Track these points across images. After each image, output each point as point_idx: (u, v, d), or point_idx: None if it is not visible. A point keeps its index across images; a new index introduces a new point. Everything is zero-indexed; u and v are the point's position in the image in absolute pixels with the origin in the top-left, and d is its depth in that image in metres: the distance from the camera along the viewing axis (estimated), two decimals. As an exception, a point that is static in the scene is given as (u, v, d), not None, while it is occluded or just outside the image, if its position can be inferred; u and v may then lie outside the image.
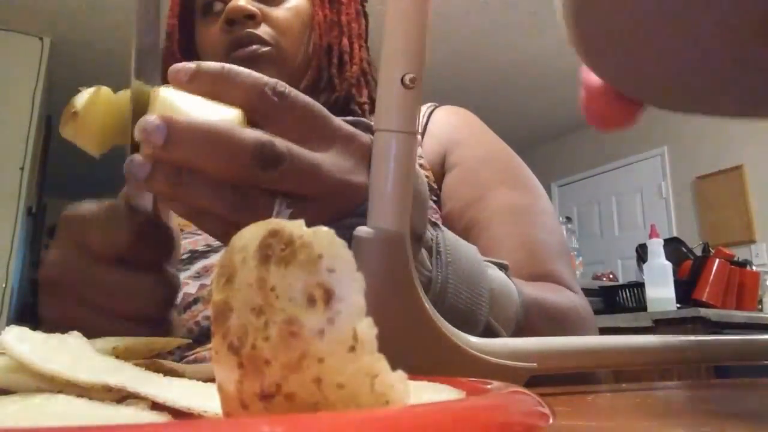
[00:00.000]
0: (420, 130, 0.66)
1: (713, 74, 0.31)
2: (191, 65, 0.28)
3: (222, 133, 0.26)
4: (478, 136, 0.68)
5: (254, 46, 0.63)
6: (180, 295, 0.54)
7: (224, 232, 0.30)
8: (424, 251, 0.36)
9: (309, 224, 0.23)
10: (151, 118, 0.25)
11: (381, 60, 0.31)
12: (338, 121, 0.31)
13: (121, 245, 0.30)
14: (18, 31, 3.29)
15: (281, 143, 0.27)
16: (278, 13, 0.66)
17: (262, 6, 0.65)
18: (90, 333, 0.23)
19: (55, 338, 0.18)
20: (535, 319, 0.44)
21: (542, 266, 0.56)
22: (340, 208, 0.31)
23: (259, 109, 0.28)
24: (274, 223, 0.14)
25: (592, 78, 0.36)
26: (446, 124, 0.69)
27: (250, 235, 0.14)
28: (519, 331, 0.42)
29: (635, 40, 0.30)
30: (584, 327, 0.51)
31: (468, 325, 0.38)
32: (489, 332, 0.40)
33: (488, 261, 0.43)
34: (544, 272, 0.55)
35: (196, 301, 0.54)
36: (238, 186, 0.27)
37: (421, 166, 0.63)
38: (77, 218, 0.32)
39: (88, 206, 0.32)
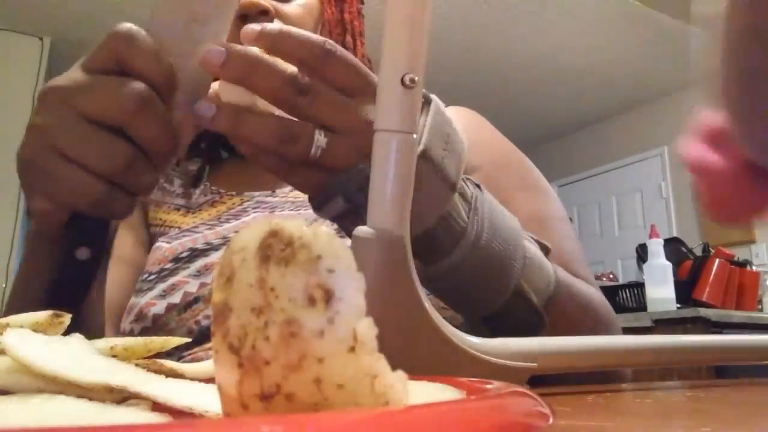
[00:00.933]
0: None
1: None
2: (255, 26, 0.33)
3: (266, 60, 0.32)
4: (492, 139, 0.68)
5: None
6: (180, 294, 0.55)
7: (279, 167, 0.35)
8: (461, 203, 0.38)
9: (341, 159, 0.31)
10: (213, 46, 0.31)
11: (381, 60, 0.31)
12: (369, 74, 0.36)
13: (121, 114, 0.32)
14: (18, 31, 3.29)
15: (313, 80, 0.33)
16: (290, 9, 0.66)
17: (274, 2, 0.65)
18: (53, 182, 0.31)
19: (57, 340, 0.18)
20: (565, 300, 0.45)
21: (570, 272, 0.56)
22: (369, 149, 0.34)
23: (308, 62, 0.33)
24: (274, 223, 0.14)
25: (712, 160, 0.29)
26: (458, 126, 0.68)
27: (250, 235, 0.14)
28: (550, 307, 0.43)
29: None
30: (610, 323, 0.51)
31: (498, 282, 0.40)
32: (519, 297, 0.41)
33: (531, 236, 0.44)
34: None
35: (196, 300, 0.54)
36: (282, 119, 0.33)
37: None
38: (76, 86, 0.34)
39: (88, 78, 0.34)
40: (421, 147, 0.35)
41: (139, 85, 0.32)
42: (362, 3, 0.77)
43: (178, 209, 0.67)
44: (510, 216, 0.43)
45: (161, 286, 0.56)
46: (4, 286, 3.10)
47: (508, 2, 3.18)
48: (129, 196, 0.35)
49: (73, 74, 0.34)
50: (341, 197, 0.35)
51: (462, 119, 0.70)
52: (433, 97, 0.38)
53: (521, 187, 0.62)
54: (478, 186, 0.41)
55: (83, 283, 0.38)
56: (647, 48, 3.59)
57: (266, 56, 0.32)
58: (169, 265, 0.58)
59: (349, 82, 0.35)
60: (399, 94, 0.30)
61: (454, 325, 0.35)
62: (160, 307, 0.54)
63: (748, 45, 0.25)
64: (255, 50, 0.32)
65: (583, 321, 0.47)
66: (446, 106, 0.73)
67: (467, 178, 0.41)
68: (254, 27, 0.33)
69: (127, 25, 0.34)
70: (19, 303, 0.42)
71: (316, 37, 0.33)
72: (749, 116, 0.26)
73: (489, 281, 0.40)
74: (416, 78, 0.30)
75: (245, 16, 0.63)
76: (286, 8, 0.66)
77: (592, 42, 3.51)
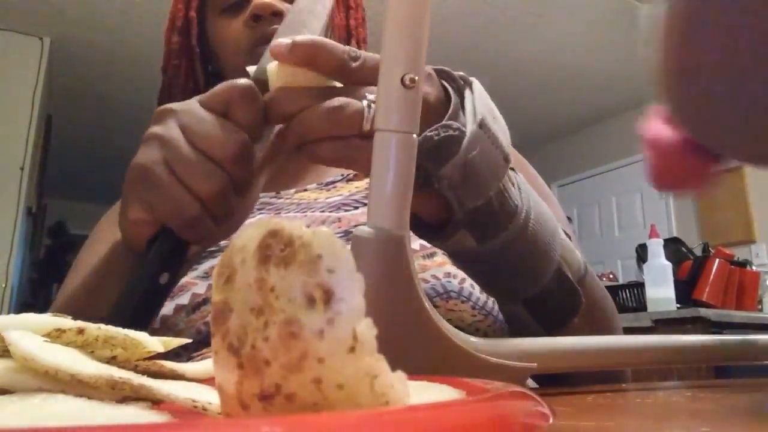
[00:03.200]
0: None
1: None
2: (287, 41, 0.37)
3: (327, 42, 0.37)
4: None
5: None
6: (188, 296, 0.55)
7: (336, 149, 0.37)
8: (510, 183, 0.40)
9: None
10: (281, 38, 0.37)
11: (381, 60, 0.31)
12: None
13: (224, 153, 0.37)
14: (18, 31, 3.29)
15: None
16: None
17: (287, 5, 0.65)
18: (158, 193, 0.36)
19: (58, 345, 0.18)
20: (592, 285, 0.47)
21: None
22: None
23: (343, 71, 0.37)
24: (274, 223, 0.14)
25: (662, 133, 0.33)
26: None
27: (250, 235, 0.14)
28: (581, 285, 0.44)
29: (739, 86, 0.28)
30: (617, 316, 0.53)
31: (545, 258, 0.41)
32: (560, 276, 0.42)
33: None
34: None
35: (205, 301, 0.54)
36: (333, 89, 0.38)
37: None
38: (194, 116, 0.38)
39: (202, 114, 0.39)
40: (478, 117, 0.37)
41: (243, 136, 0.38)
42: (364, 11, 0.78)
43: None
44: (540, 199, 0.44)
45: None
46: (3, 286, 3.10)
47: (508, 2, 3.18)
48: (213, 223, 0.38)
49: (192, 105, 0.39)
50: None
51: None
52: (473, 78, 0.41)
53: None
54: (513, 168, 0.43)
55: (156, 307, 0.39)
56: (644, 50, 3.58)
57: (325, 39, 0.38)
58: None
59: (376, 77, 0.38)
60: (399, 94, 0.30)
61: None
62: (168, 308, 0.54)
63: (673, 37, 0.28)
64: (309, 37, 0.38)
65: (605, 308, 0.48)
66: None
67: None
68: (285, 42, 0.37)
69: (245, 82, 0.38)
70: (82, 302, 0.44)
71: (342, 47, 0.37)
72: (680, 99, 0.29)
73: (537, 258, 0.41)
74: (416, 78, 0.30)
75: (258, 16, 0.63)
76: None
77: (592, 42, 3.51)
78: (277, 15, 0.63)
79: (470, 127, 0.37)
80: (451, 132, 0.36)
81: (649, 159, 0.35)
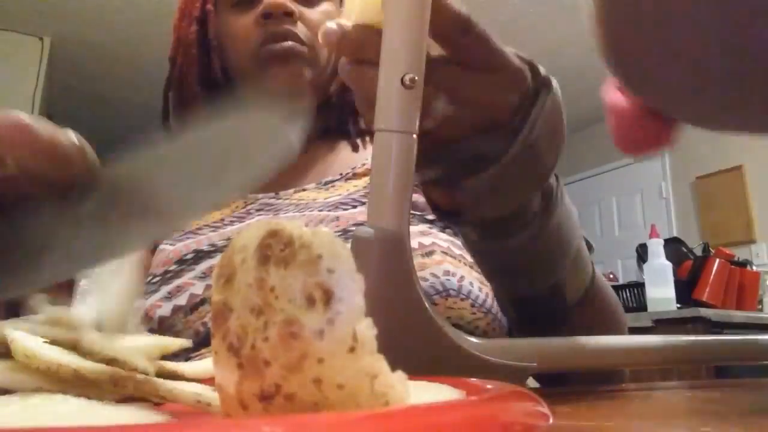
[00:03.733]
0: None
1: (745, 84, 0.29)
2: (332, 25, 0.34)
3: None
4: None
5: (291, 43, 0.63)
6: (186, 296, 0.54)
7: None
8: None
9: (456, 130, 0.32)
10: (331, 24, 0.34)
11: (381, 60, 0.31)
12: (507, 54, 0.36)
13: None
14: (18, 31, 3.29)
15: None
16: (314, 15, 0.66)
17: (299, 5, 0.65)
18: None
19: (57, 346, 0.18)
20: (601, 288, 0.48)
21: None
22: (512, 86, 0.35)
23: (452, 41, 0.34)
24: (273, 223, 0.14)
25: (620, 100, 0.34)
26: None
27: (250, 235, 0.14)
28: (589, 289, 0.45)
29: (669, 43, 0.29)
30: (625, 324, 0.54)
31: (563, 250, 0.41)
32: (555, 290, 0.43)
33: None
34: None
35: (203, 302, 0.54)
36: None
37: None
38: None
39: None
40: (533, 136, 0.35)
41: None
42: None
43: None
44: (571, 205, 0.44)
45: (166, 288, 0.56)
46: None
47: (507, 2, 3.18)
48: None
49: None
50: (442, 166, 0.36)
51: None
52: (553, 80, 0.37)
53: None
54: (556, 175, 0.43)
55: None
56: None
57: None
58: (173, 267, 0.58)
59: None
60: (399, 94, 0.30)
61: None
62: (165, 309, 0.54)
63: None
64: None
65: (611, 316, 0.50)
66: None
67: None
68: (332, 25, 0.34)
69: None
70: None
71: (460, 11, 0.34)
72: (621, 61, 0.30)
73: (541, 265, 0.41)
74: (416, 78, 0.30)
75: (269, 14, 0.63)
76: (309, 14, 0.66)
77: (592, 42, 3.51)
78: (289, 15, 0.63)
79: (514, 149, 0.34)
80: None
81: (610, 125, 0.36)
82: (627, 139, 0.35)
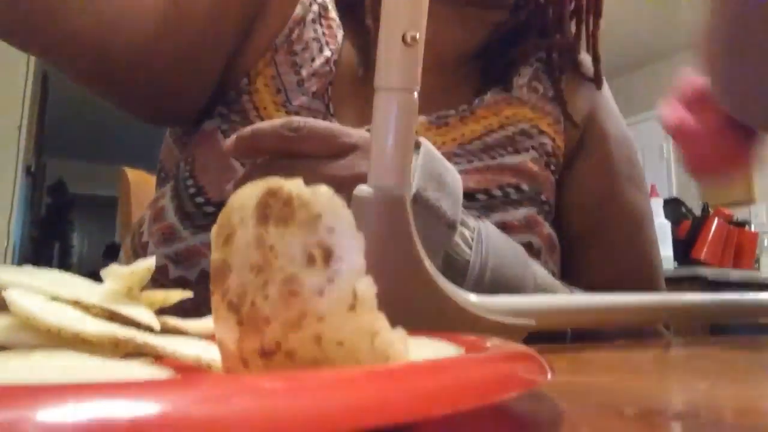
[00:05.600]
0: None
1: None
2: (232, 139, 0.38)
3: (262, 126, 0.38)
4: (620, 116, 0.66)
5: None
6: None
7: None
8: (460, 240, 0.39)
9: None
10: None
11: (381, 18, 0.30)
12: (344, 134, 0.39)
13: None
14: None
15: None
16: None
17: None
18: None
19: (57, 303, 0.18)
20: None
21: (648, 286, 0.59)
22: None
23: (283, 147, 0.37)
24: (272, 182, 0.14)
25: (688, 122, 0.31)
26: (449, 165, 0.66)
27: (248, 194, 0.14)
28: None
29: None
30: None
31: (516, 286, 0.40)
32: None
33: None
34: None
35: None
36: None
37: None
38: None
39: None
40: (413, 190, 0.35)
41: None
42: None
43: None
44: (512, 243, 0.43)
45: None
46: (5, 245, 3.11)
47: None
48: None
49: None
50: None
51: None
52: (422, 139, 0.39)
53: (629, 176, 0.62)
54: (479, 217, 0.42)
55: None
56: (647, 10, 3.53)
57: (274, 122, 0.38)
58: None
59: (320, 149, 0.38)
60: (400, 52, 0.30)
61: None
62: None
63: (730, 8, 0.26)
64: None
65: None
66: None
67: (465, 211, 0.41)
68: (230, 138, 0.39)
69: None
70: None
71: (278, 121, 0.37)
72: (730, 76, 0.28)
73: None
74: (417, 35, 0.30)
75: None
76: None
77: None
78: None
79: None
80: None
81: (680, 147, 0.33)
82: (703, 161, 0.32)
